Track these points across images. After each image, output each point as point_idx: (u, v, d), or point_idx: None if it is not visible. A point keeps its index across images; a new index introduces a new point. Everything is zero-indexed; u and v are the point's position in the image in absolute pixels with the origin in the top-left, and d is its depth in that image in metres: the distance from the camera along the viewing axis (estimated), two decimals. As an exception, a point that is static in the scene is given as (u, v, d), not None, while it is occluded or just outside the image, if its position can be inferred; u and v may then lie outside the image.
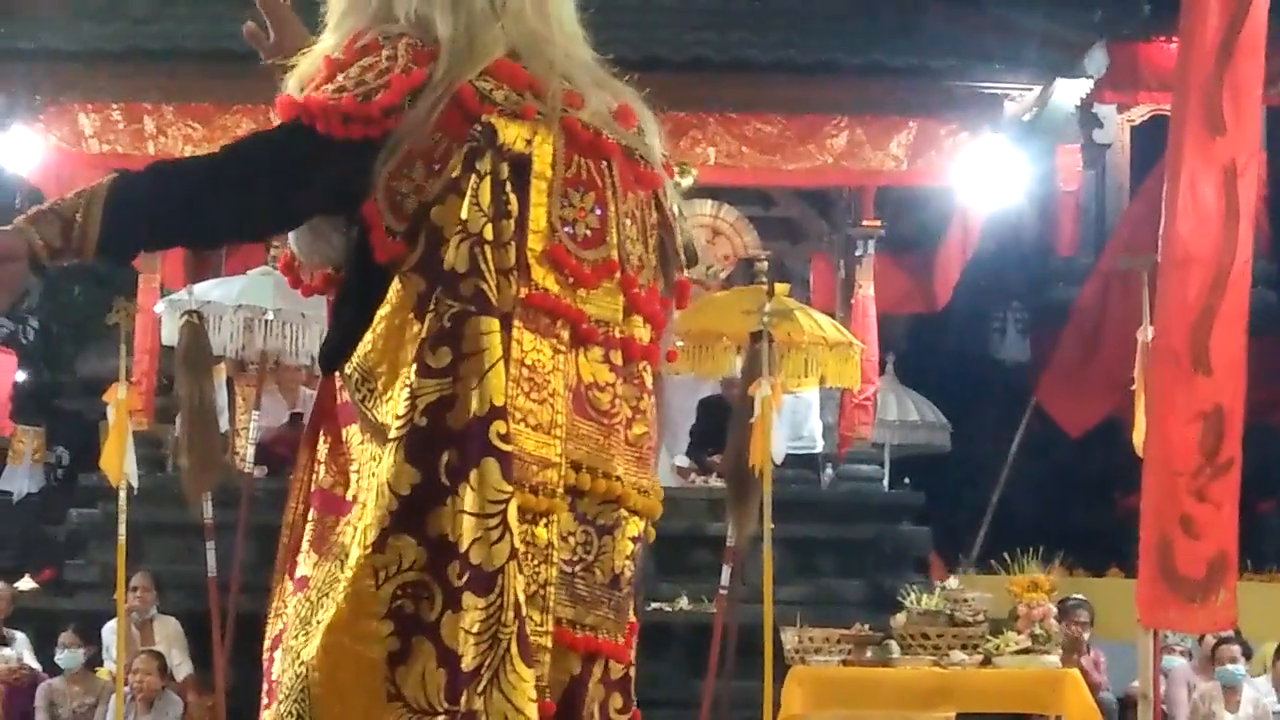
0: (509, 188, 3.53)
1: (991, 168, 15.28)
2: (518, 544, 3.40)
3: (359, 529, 3.41)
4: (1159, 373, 11.46)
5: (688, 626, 13.19)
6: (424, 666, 3.34)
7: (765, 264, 13.79)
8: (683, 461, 16.05)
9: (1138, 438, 12.07)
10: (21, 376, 20.73)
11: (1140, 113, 21.40)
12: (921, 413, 19.00)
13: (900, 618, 12.22)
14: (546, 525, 3.53)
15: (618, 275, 3.68)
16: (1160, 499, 11.12)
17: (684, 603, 13.67)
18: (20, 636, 14.02)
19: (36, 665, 13.81)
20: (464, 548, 3.34)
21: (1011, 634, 12.15)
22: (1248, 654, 13.37)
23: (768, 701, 11.69)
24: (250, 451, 13.18)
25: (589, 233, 3.64)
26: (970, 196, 15.94)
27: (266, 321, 13.90)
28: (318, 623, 3.42)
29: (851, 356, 13.24)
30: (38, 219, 3.38)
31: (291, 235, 3.75)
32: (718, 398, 15.05)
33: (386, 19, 3.65)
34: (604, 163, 3.70)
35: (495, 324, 3.41)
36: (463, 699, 3.32)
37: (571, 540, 3.59)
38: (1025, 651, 11.98)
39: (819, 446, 15.69)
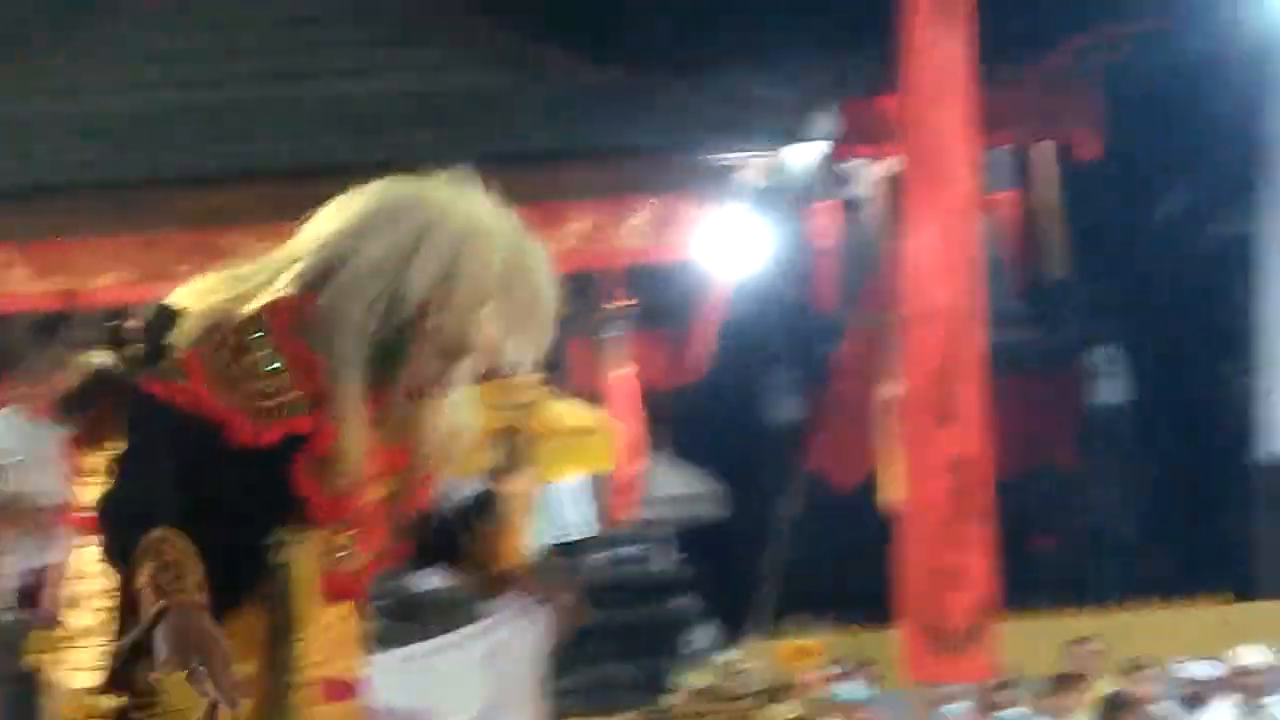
0: None
1: (732, 236, 15.35)
2: None
3: None
4: (909, 426, 11.51)
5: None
6: None
7: (514, 354, 13.63)
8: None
9: (886, 493, 12.09)
10: None
11: (894, 164, 21.41)
12: (694, 484, 18.92)
13: (677, 698, 12.13)
14: None
15: None
16: (917, 552, 11.16)
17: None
18: None
19: None
20: None
21: (782, 706, 12.07)
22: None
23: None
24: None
25: None
26: (716, 266, 15.97)
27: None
28: None
29: (600, 440, 13.13)
30: None
31: None
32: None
33: None
34: None
35: None
36: None
37: None
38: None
39: (587, 532, 15.54)
